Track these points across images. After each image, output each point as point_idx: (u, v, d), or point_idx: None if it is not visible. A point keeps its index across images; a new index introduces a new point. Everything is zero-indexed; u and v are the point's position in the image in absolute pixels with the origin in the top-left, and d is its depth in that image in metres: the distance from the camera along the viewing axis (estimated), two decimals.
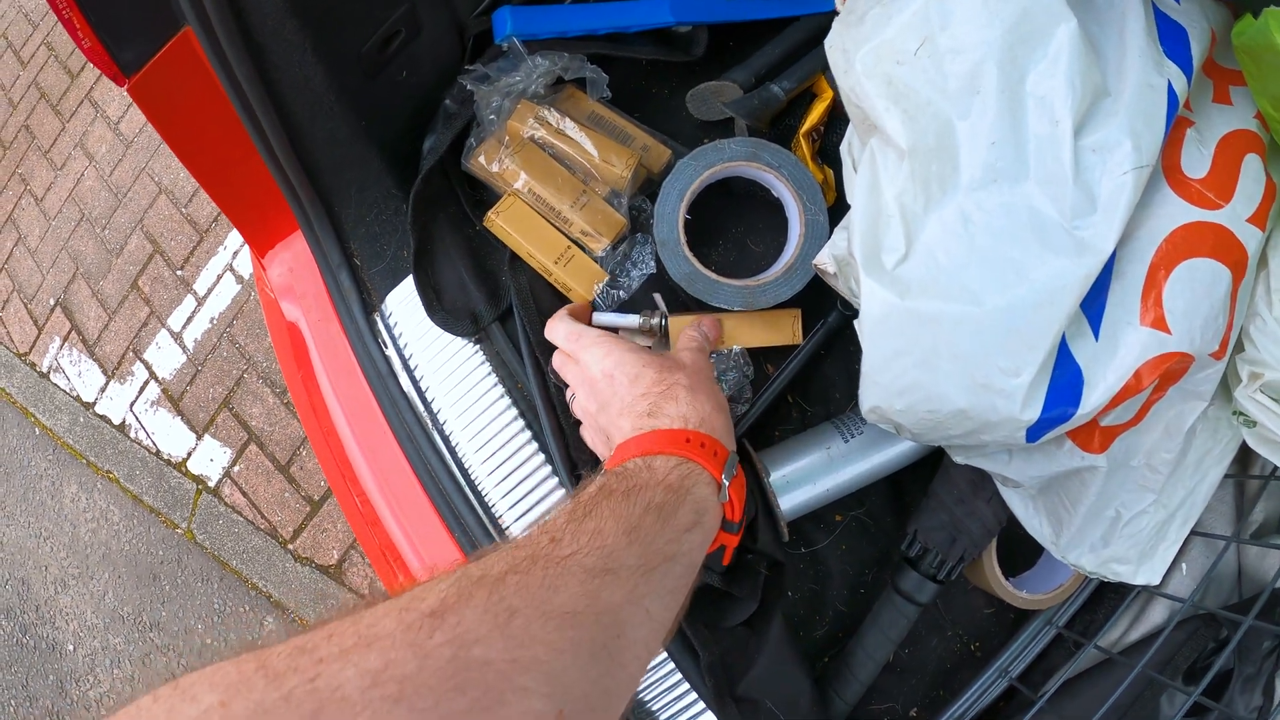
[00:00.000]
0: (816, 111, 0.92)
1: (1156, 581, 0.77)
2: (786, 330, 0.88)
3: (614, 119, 0.92)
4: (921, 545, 0.86)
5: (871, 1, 0.66)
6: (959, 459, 0.76)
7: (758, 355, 0.90)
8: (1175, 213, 0.64)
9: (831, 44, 0.68)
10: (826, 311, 0.89)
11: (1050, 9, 0.60)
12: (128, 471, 2.92)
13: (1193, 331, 0.63)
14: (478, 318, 0.89)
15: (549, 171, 0.88)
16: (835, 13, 0.89)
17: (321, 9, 0.78)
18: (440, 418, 0.92)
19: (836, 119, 0.95)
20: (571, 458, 0.85)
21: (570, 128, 0.89)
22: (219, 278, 2.91)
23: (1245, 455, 0.84)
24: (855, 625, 0.92)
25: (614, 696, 0.50)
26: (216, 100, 0.82)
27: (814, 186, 0.85)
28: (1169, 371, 0.63)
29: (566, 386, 0.83)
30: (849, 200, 0.74)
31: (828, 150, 0.95)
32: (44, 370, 3.21)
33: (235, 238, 2.92)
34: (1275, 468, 0.87)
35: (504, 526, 0.89)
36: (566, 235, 0.88)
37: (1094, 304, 0.63)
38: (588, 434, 0.81)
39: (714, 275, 0.83)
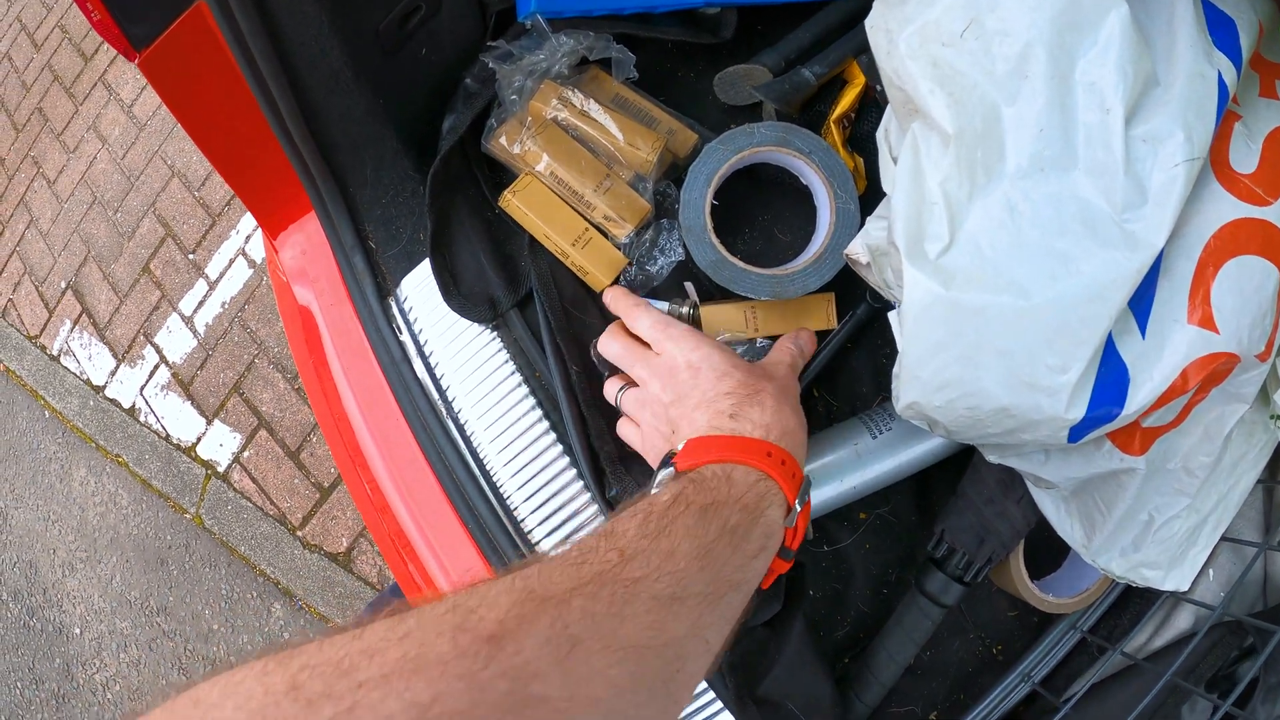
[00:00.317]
0: (848, 98, 0.89)
1: (1185, 588, 0.74)
2: (820, 315, 0.86)
3: (639, 101, 0.90)
4: (948, 546, 0.84)
5: None
6: (992, 458, 0.74)
7: None
8: (1224, 208, 0.62)
9: (873, 24, 0.66)
10: (855, 304, 0.87)
11: None
12: (137, 456, 2.92)
13: (1240, 331, 0.60)
14: (496, 303, 0.87)
15: (572, 154, 0.86)
16: None
17: None
18: (455, 405, 0.89)
19: (868, 106, 0.92)
20: (592, 447, 0.82)
21: (594, 109, 0.87)
22: (231, 262, 2.90)
23: (1276, 461, 0.81)
24: (877, 626, 0.90)
25: None
26: (229, 76, 0.80)
27: (845, 174, 0.82)
28: (1214, 372, 0.61)
29: (609, 375, 0.81)
30: (885, 188, 0.72)
31: (858, 138, 0.92)
32: (54, 353, 3.21)
33: (248, 222, 2.92)
34: None
35: (519, 519, 0.87)
36: (589, 220, 0.86)
37: (1141, 301, 0.60)
38: (630, 430, 0.78)
39: (741, 263, 0.81)
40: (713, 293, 0.86)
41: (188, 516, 2.79)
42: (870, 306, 0.86)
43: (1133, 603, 0.94)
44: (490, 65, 0.87)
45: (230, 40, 0.75)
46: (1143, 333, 0.60)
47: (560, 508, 0.86)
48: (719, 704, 0.85)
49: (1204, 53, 0.60)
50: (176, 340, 2.94)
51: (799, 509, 0.63)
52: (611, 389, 0.80)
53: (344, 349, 1.01)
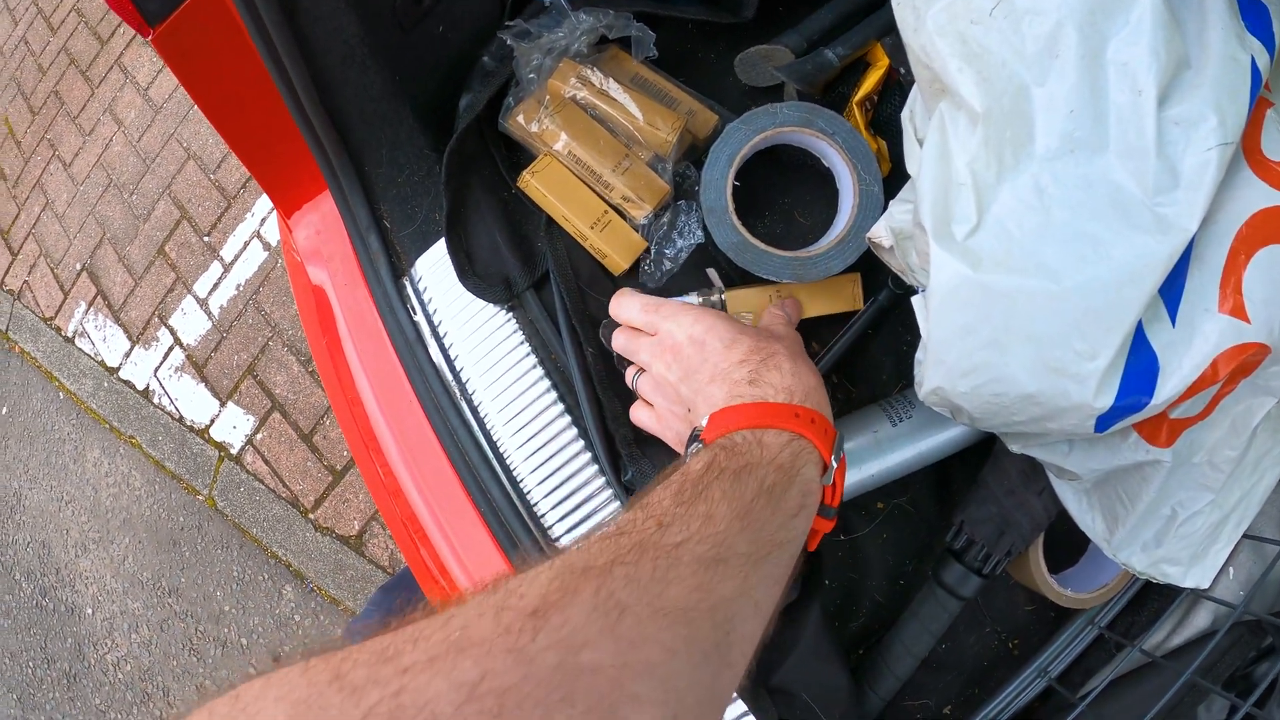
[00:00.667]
0: (870, 80, 0.88)
1: (1206, 585, 0.73)
2: (847, 296, 0.85)
3: (658, 81, 0.89)
4: (967, 537, 0.83)
5: None
6: (1015, 448, 0.73)
7: (803, 332, 0.86)
8: (1256, 196, 0.60)
9: (900, 0, 0.64)
10: (877, 289, 0.85)
11: None
12: (150, 437, 2.93)
13: (1272, 321, 0.59)
14: (511, 284, 0.86)
15: (590, 133, 0.85)
16: None
17: None
18: (469, 387, 0.89)
19: (890, 90, 0.91)
20: (608, 430, 0.81)
21: (614, 89, 0.85)
22: (246, 244, 2.91)
23: None
24: (893, 618, 0.89)
25: (723, 698, 0.47)
26: (244, 52, 0.79)
27: (869, 156, 0.81)
28: (1244, 363, 0.59)
29: (627, 366, 0.79)
30: (909, 170, 0.71)
31: (880, 121, 0.91)
32: (69, 335, 3.22)
33: (263, 204, 2.92)
34: None
35: (533, 503, 0.86)
36: (606, 201, 0.85)
37: (1171, 288, 0.59)
38: (644, 414, 0.76)
39: (763, 245, 0.79)
40: (733, 278, 0.85)
41: (200, 498, 2.80)
42: (892, 292, 0.85)
43: (1151, 599, 0.93)
44: (509, 43, 0.86)
45: (245, 16, 0.74)
46: (1173, 320, 0.59)
47: (575, 491, 0.85)
48: (734, 695, 0.84)
49: (1236, 36, 0.59)
50: (191, 322, 2.94)
51: (835, 465, 0.63)
52: (629, 376, 0.79)
53: (358, 330, 1.01)
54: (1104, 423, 0.59)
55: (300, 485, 2.66)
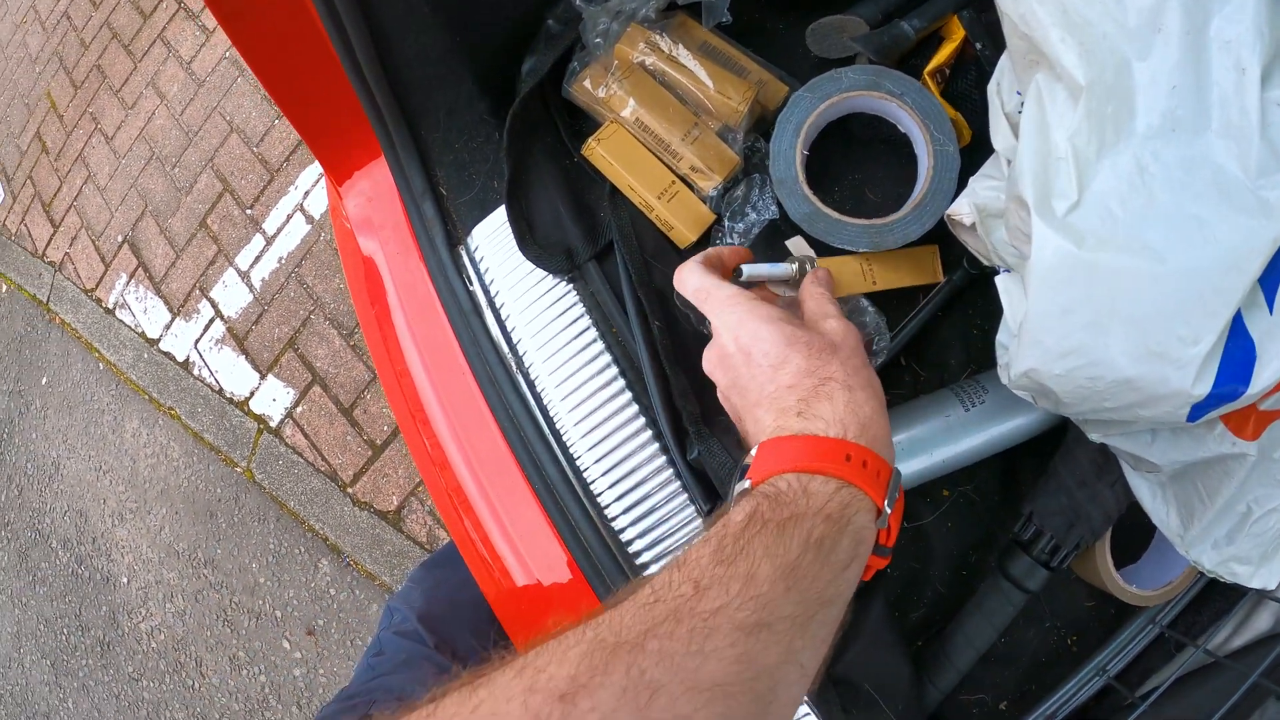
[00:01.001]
0: (945, 52, 0.85)
1: (1273, 586, 0.71)
2: (928, 268, 0.82)
3: (728, 50, 0.87)
4: (1036, 528, 0.81)
5: None
6: (1095, 436, 0.71)
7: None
8: None
9: None
10: (950, 268, 0.83)
11: None
12: (190, 409, 2.95)
13: None
14: (573, 254, 0.84)
15: (659, 101, 0.83)
16: None
17: None
18: (525, 359, 0.87)
19: (965, 64, 0.88)
20: (674, 406, 0.79)
21: (684, 55, 0.83)
22: (289, 217, 2.91)
23: None
24: (954, 609, 0.88)
25: None
26: (300, 12, 0.78)
27: (942, 115, 0.79)
28: None
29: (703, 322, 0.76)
30: (995, 144, 0.69)
31: (953, 95, 0.88)
32: (109, 306, 3.25)
33: (306, 177, 2.93)
34: None
35: (589, 481, 0.84)
36: (674, 171, 0.82)
37: (1270, 274, 0.56)
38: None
39: (836, 214, 0.77)
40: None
41: (238, 470, 2.81)
42: (967, 272, 0.82)
43: (1213, 599, 0.91)
44: (576, 5, 0.84)
45: None
46: (1270, 308, 0.56)
47: (634, 470, 0.83)
48: None
49: None
50: (232, 295, 2.95)
51: (889, 510, 0.58)
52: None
53: (409, 299, 0.99)
54: (1197, 411, 0.57)
55: (339, 459, 2.66)
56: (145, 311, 3.14)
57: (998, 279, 0.65)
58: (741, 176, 0.84)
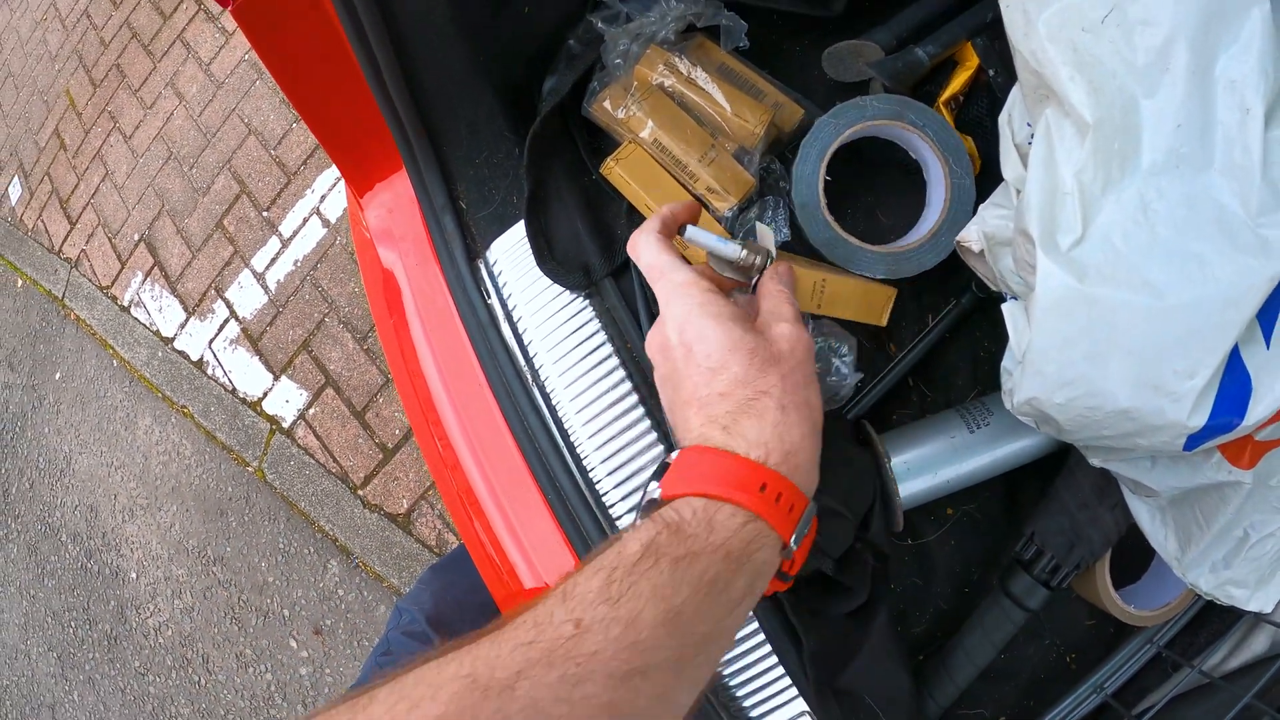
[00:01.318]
0: (959, 80, 0.86)
1: (1269, 609, 0.72)
2: (876, 308, 0.82)
3: (745, 72, 0.88)
4: (1037, 548, 0.82)
5: None
6: (1096, 461, 0.72)
7: (875, 332, 0.85)
8: None
9: (1009, 3, 0.63)
10: (959, 292, 0.84)
11: None
12: (203, 407, 2.96)
13: None
14: (590, 270, 0.85)
15: (677, 122, 0.84)
16: None
17: None
18: (541, 372, 0.88)
19: (978, 90, 0.89)
20: None
21: (702, 78, 0.85)
22: (305, 220, 2.93)
23: None
24: (956, 625, 0.88)
25: None
26: (326, 26, 0.79)
27: (960, 149, 0.80)
28: None
29: None
30: (1005, 174, 0.71)
31: (966, 122, 0.89)
32: (125, 304, 3.27)
33: (323, 181, 2.94)
34: None
35: (601, 492, 0.85)
36: (690, 191, 0.84)
37: (1267, 309, 0.58)
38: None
39: (856, 241, 0.79)
40: (796, 249, 0.83)
41: (250, 470, 2.83)
42: (975, 295, 0.84)
43: (1211, 620, 0.92)
44: (599, 26, 0.86)
45: None
46: (1267, 342, 0.58)
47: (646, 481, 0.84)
48: (790, 694, 0.83)
49: None
50: (247, 296, 2.97)
51: (795, 547, 0.56)
52: None
53: (427, 310, 1.00)
54: (1193, 442, 0.59)
55: (350, 461, 2.68)
56: (160, 310, 3.16)
57: (1004, 306, 0.66)
58: (756, 198, 0.85)
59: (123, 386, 3.18)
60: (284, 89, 0.88)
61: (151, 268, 3.21)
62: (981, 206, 0.73)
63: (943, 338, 0.86)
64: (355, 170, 1.07)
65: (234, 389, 2.93)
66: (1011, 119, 0.71)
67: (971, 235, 0.71)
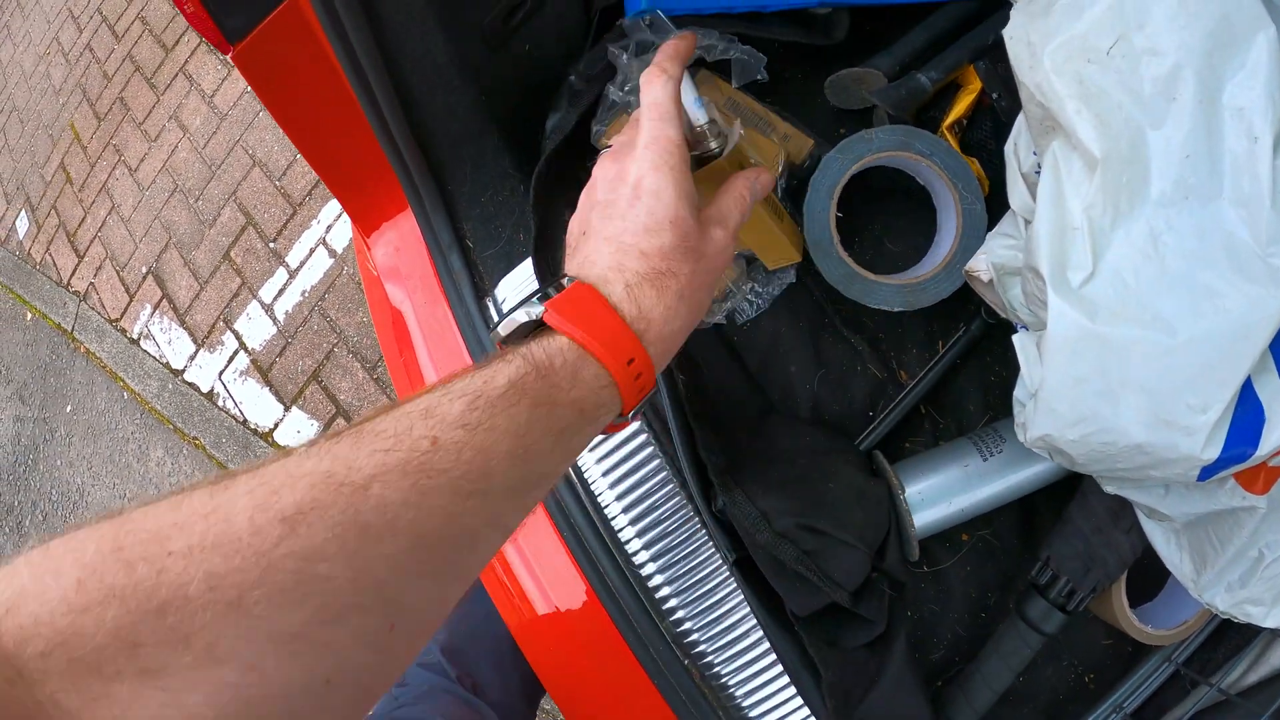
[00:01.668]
0: (962, 104, 0.87)
1: None
2: (788, 249, 0.81)
3: (752, 105, 0.88)
4: (1053, 572, 0.82)
5: None
6: (1110, 489, 0.72)
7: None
8: None
9: (1013, 35, 0.63)
10: (968, 319, 0.84)
11: (1250, 13, 0.54)
12: (214, 439, 2.96)
13: None
14: None
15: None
16: (1000, 4, 0.84)
17: None
18: None
19: (981, 113, 0.90)
20: (699, 458, 0.80)
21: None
22: (311, 251, 2.93)
23: None
24: (973, 650, 0.88)
25: (447, 606, 0.50)
26: (327, 70, 0.79)
27: (969, 175, 0.80)
28: None
29: None
30: (1011, 203, 0.71)
31: (970, 145, 0.89)
32: (134, 336, 3.28)
33: (329, 211, 2.95)
34: None
35: (617, 529, 0.85)
36: None
37: (1278, 339, 0.57)
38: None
39: (872, 276, 0.79)
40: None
41: (242, 464, 2.82)
42: (985, 322, 0.84)
43: (1228, 637, 0.92)
44: (622, 59, 0.85)
45: (331, 35, 0.74)
46: (1279, 371, 0.58)
47: (662, 520, 0.84)
48: None
49: None
50: (256, 327, 2.98)
51: (630, 419, 0.60)
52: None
53: (437, 347, 1.01)
54: (1207, 473, 0.59)
55: None
56: (170, 343, 3.17)
57: (1015, 338, 0.66)
58: None
59: (134, 419, 3.19)
60: (287, 132, 0.89)
61: (160, 300, 3.22)
62: (989, 235, 0.73)
63: (953, 364, 0.86)
64: (361, 210, 1.07)
65: (245, 420, 2.93)
66: (1017, 148, 0.71)
67: (980, 265, 0.71)
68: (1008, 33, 0.64)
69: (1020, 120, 0.71)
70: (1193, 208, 0.55)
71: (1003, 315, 0.75)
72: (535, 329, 0.57)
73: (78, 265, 3.57)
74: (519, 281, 0.90)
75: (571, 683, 1.02)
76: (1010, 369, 0.88)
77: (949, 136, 0.86)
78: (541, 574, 0.93)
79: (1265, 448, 0.57)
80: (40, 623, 0.36)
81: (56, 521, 3.30)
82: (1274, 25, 0.54)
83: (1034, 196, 0.67)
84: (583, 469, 0.86)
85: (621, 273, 0.59)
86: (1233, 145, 0.55)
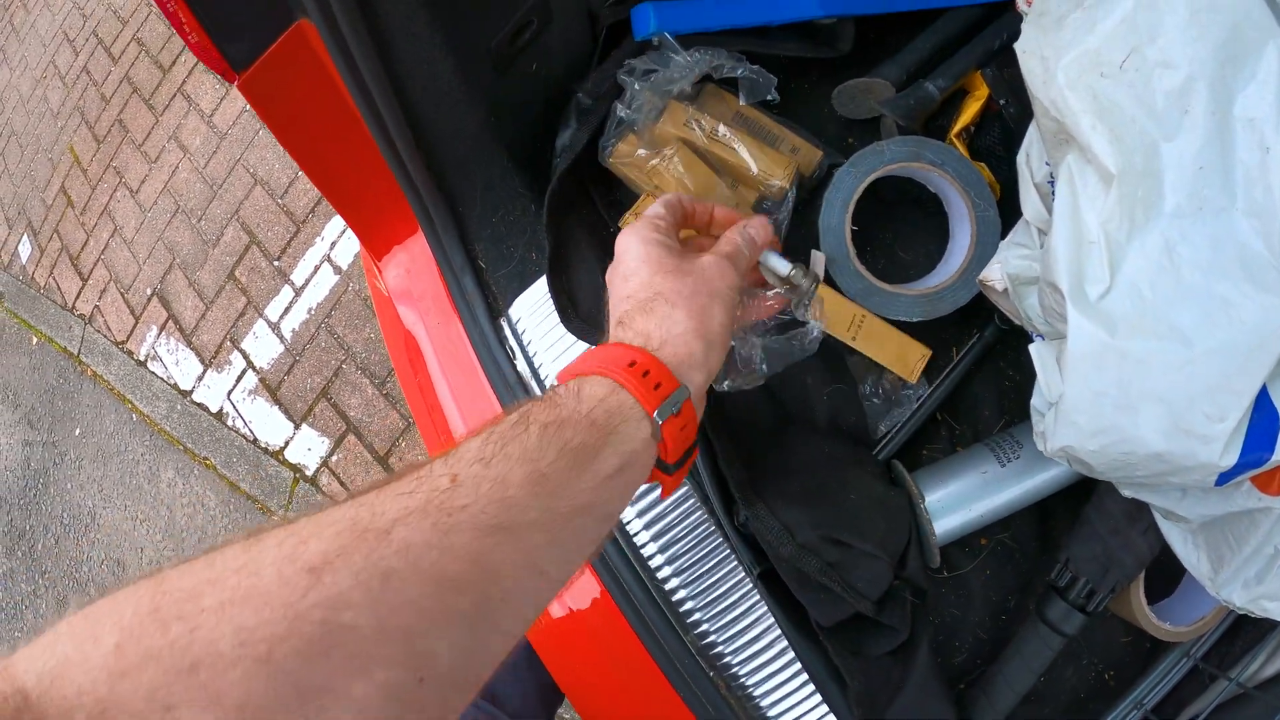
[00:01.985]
0: (970, 111, 0.87)
1: None
2: (909, 363, 0.83)
3: (760, 119, 0.88)
4: (1071, 574, 0.82)
5: (1070, 3, 0.61)
6: (1127, 493, 0.73)
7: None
8: None
9: (1026, 49, 0.64)
10: (982, 325, 0.84)
11: (1261, 25, 0.55)
12: (225, 459, 2.96)
13: None
14: None
15: (699, 175, 0.84)
16: (1006, 8, 0.85)
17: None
18: None
19: (989, 119, 0.90)
20: (720, 472, 0.80)
21: (724, 133, 0.85)
22: (316, 268, 2.93)
23: None
24: (995, 653, 0.88)
25: (483, 660, 0.48)
26: (333, 96, 0.79)
27: (981, 182, 0.80)
28: None
29: None
30: (1024, 212, 0.71)
31: (979, 151, 0.90)
32: (141, 358, 3.27)
33: (332, 228, 2.95)
34: None
35: (639, 545, 0.85)
36: None
37: None
38: None
39: (890, 287, 0.79)
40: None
41: (276, 519, 2.80)
42: (998, 328, 0.84)
43: (1245, 630, 0.92)
44: (619, 81, 0.85)
45: (339, 61, 0.74)
46: None
47: (684, 535, 0.84)
48: None
49: None
50: (263, 346, 2.98)
51: (660, 421, 0.57)
52: None
53: (451, 368, 1.01)
54: (1224, 478, 0.59)
55: None
56: (177, 364, 3.17)
57: (1031, 347, 0.67)
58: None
59: (143, 440, 3.19)
60: (296, 159, 0.89)
61: (166, 321, 3.22)
62: (1002, 245, 0.74)
63: (968, 371, 0.87)
64: (371, 233, 1.07)
65: (255, 439, 2.93)
66: (1030, 159, 0.71)
67: (995, 275, 0.72)
68: (1020, 47, 0.64)
69: (1032, 130, 0.71)
70: (1206, 219, 0.56)
71: (1017, 322, 0.75)
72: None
73: (82, 288, 3.56)
74: (533, 301, 0.90)
75: (595, 694, 1.02)
76: (1024, 373, 0.88)
77: (957, 143, 0.86)
78: (565, 592, 0.93)
79: None
80: (83, 692, 0.36)
81: (69, 545, 3.29)
82: None
83: (1047, 207, 0.67)
84: None
85: (617, 320, 0.64)
86: (1245, 156, 0.55)
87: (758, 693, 0.85)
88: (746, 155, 0.84)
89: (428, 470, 0.48)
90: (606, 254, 0.87)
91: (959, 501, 0.81)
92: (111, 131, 3.71)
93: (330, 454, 2.75)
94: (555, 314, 0.86)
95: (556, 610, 0.95)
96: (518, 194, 0.92)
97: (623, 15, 0.90)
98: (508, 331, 0.92)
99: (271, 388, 2.91)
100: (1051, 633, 0.83)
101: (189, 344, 3.14)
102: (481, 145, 0.89)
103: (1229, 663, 0.91)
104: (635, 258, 0.66)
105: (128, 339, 3.33)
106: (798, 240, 0.88)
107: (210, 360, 3.07)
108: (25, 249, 3.94)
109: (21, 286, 3.87)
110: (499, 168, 0.91)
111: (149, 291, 3.29)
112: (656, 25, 0.84)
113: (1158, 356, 0.56)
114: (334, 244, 2.91)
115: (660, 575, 0.85)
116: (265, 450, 2.89)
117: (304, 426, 2.82)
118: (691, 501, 0.84)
